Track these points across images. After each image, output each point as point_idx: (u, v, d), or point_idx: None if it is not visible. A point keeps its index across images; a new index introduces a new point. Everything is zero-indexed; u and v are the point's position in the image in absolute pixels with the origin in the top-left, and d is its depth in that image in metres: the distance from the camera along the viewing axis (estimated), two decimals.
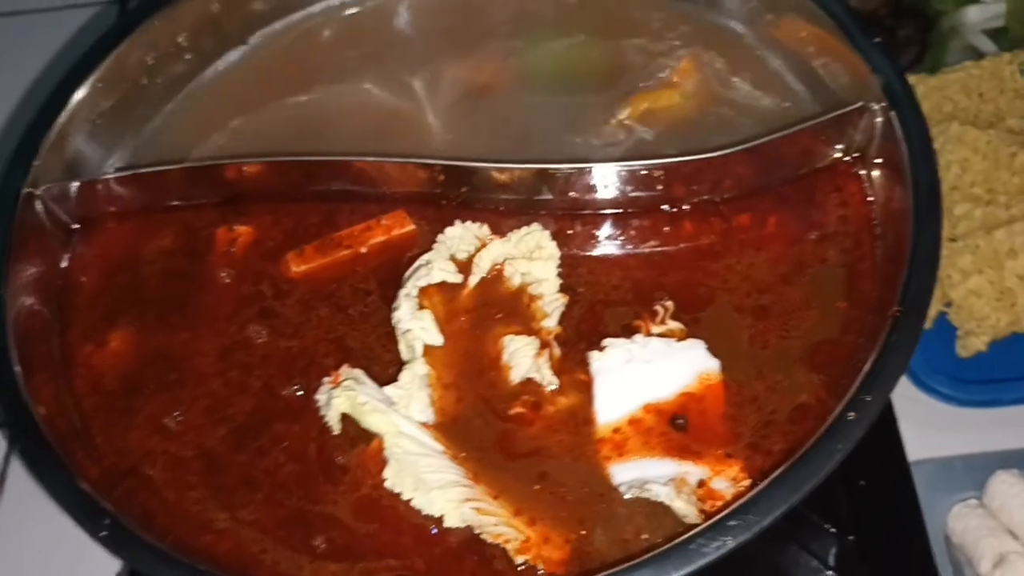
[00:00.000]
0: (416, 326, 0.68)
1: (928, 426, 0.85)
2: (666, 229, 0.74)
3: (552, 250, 0.72)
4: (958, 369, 0.90)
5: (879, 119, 0.72)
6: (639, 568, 0.55)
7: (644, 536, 0.61)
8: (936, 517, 0.79)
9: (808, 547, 0.73)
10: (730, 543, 0.55)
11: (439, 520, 0.63)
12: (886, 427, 0.78)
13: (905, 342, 0.61)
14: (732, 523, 0.56)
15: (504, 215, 0.76)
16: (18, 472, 0.96)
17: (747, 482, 0.62)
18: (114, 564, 0.89)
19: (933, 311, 0.93)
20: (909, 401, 0.83)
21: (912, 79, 1.02)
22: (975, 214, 0.95)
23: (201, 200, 0.79)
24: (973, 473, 0.85)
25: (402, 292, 0.70)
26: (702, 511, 0.61)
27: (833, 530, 0.71)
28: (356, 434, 0.67)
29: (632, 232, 0.74)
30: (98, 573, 0.89)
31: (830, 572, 0.72)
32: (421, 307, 0.69)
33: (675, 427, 0.65)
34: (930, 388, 0.90)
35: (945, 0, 1.09)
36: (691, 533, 0.56)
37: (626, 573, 0.55)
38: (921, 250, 0.65)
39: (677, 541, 0.56)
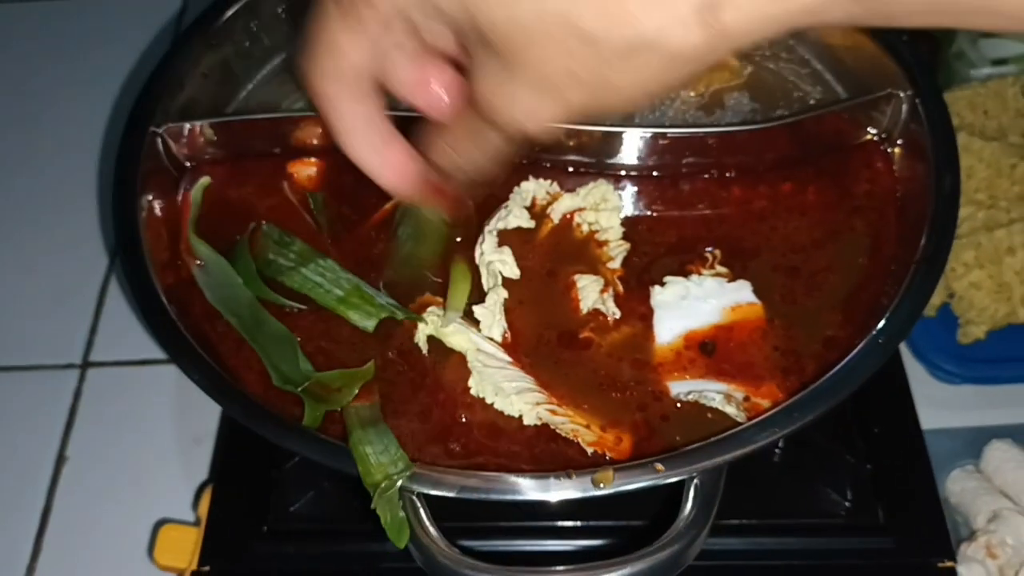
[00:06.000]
0: (497, 258, 0.77)
1: (933, 404, 0.95)
2: (720, 194, 0.83)
3: (616, 202, 0.82)
4: (961, 351, 1.01)
5: (905, 105, 0.82)
6: (697, 451, 0.64)
7: (696, 435, 0.69)
8: (937, 483, 0.87)
9: (827, 482, 0.82)
10: (778, 432, 0.64)
11: (519, 419, 0.72)
12: (897, 382, 0.87)
13: (926, 282, 0.71)
14: (779, 418, 0.65)
15: (568, 175, 0.85)
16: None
17: (783, 398, 0.72)
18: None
19: (937, 301, 1.04)
20: (914, 380, 0.92)
21: None
22: (978, 216, 1.05)
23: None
24: (970, 444, 0.95)
25: (485, 232, 0.79)
26: (749, 418, 0.70)
27: (852, 460, 0.80)
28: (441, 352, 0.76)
29: (687, 195, 0.84)
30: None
31: (847, 503, 0.81)
32: (500, 245, 0.79)
33: (704, 352, 0.75)
34: (934, 365, 1.00)
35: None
36: (745, 424, 0.66)
37: (687, 454, 0.64)
38: (941, 212, 0.75)
39: (733, 430, 0.65)
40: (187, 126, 0.85)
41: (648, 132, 0.82)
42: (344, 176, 0.84)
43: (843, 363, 0.67)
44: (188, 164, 0.87)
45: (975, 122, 1.12)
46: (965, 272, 1.02)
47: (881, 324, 0.69)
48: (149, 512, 0.96)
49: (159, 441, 1.02)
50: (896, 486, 0.81)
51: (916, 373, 0.99)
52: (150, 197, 0.82)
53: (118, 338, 1.11)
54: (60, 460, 1.02)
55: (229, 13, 0.90)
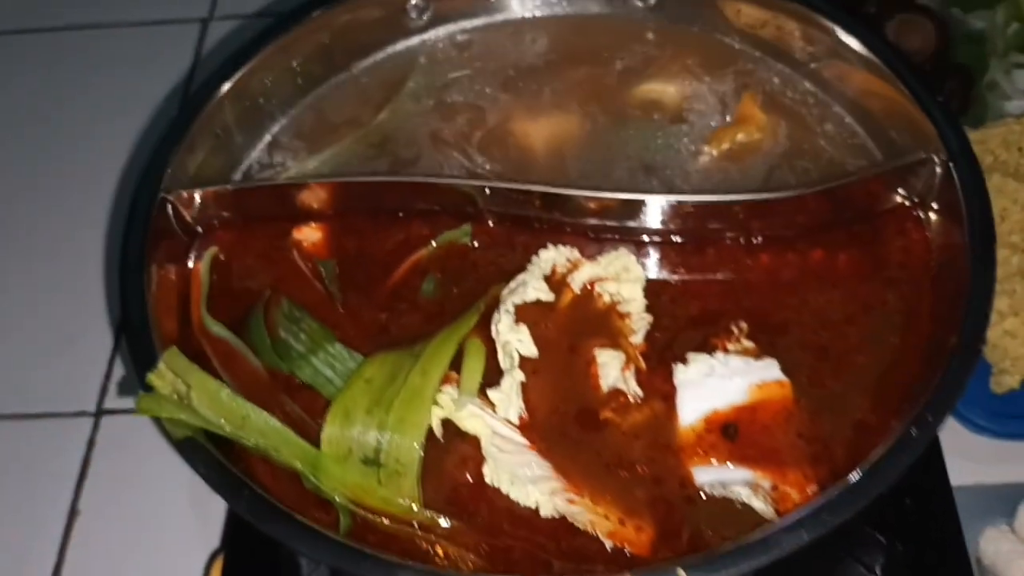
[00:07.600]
0: (514, 338, 0.75)
1: (964, 456, 0.92)
2: (746, 261, 0.81)
3: (638, 272, 0.79)
4: (993, 404, 0.97)
5: (939, 169, 0.79)
6: (721, 558, 0.62)
7: (722, 528, 0.67)
8: (968, 540, 0.85)
9: (858, 558, 0.79)
10: (805, 536, 0.62)
11: (536, 511, 0.70)
12: (931, 450, 0.84)
13: (963, 368, 0.68)
14: (806, 520, 0.62)
15: (589, 241, 0.82)
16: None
17: (814, 487, 0.69)
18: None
19: None
20: (947, 432, 0.89)
21: None
22: (1012, 260, 1.02)
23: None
24: (1005, 501, 0.92)
25: (501, 307, 0.76)
26: (777, 511, 0.68)
27: (883, 540, 0.77)
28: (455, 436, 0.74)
29: (712, 261, 0.81)
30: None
31: None
32: (518, 322, 0.76)
33: (727, 436, 0.72)
34: (967, 420, 0.97)
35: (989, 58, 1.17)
36: (773, 528, 0.63)
37: (710, 560, 0.62)
38: (978, 288, 0.72)
39: (760, 534, 0.62)
40: (197, 193, 0.83)
41: (672, 199, 0.79)
42: (348, 240, 0.84)
43: (874, 460, 0.64)
44: (199, 228, 0.84)
45: (1009, 160, 1.09)
46: (999, 320, 0.99)
47: (914, 417, 0.66)
48: None
49: (175, 492, 1.00)
50: (928, 564, 0.79)
51: (947, 423, 0.96)
52: (158, 264, 0.80)
53: (134, 383, 1.09)
54: (72, 514, 1.01)
55: (242, 70, 0.88)
